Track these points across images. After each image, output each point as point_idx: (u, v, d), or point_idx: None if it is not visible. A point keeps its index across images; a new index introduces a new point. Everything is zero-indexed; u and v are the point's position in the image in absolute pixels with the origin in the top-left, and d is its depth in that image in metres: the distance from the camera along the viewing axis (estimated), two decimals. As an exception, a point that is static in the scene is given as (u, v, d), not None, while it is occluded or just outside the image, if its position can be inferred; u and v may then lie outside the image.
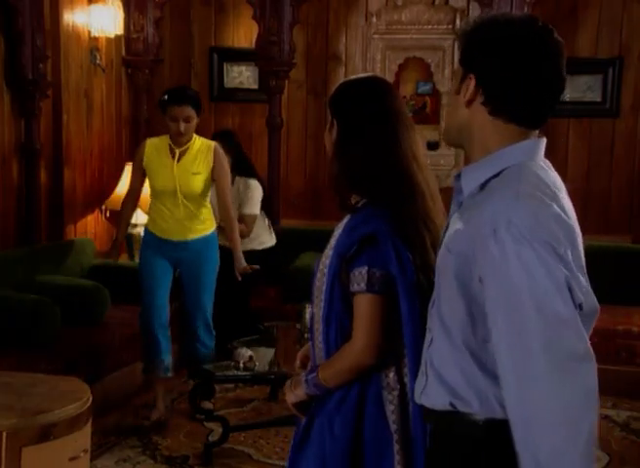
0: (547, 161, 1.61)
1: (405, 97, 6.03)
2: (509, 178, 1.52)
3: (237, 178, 5.04)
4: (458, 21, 5.85)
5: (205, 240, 4.36)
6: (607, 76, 5.72)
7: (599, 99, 5.74)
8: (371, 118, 2.00)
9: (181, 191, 4.22)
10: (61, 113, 5.30)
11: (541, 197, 1.48)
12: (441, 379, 1.60)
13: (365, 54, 6.08)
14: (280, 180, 5.95)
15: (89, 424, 2.71)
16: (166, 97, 4.20)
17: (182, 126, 4.15)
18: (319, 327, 2.02)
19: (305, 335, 3.81)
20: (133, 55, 5.97)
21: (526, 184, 1.50)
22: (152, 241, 4.37)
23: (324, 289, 1.99)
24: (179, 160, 4.25)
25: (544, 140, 1.61)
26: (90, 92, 5.59)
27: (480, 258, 1.48)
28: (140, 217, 5.42)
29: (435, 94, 5.99)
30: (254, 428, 4.31)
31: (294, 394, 2.08)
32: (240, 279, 4.36)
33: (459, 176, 1.62)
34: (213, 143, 4.37)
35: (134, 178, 4.46)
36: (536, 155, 1.57)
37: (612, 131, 5.78)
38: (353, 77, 2.14)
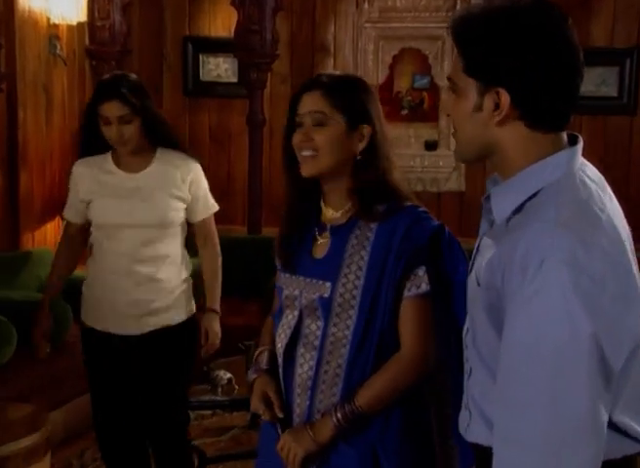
0: (587, 164, 1.57)
1: (400, 92, 6.06)
2: (546, 203, 1.47)
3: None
4: (458, 8, 5.89)
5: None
6: (624, 68, 5.76)
7: (615, 94, 5.79)
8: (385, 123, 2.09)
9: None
10: (17, 109, 5.28)
11: (582, 228, 1.42)
12: (484, 416, 1.60)
13: (356, 44, 6.11)
14: (262, 184, 5.95)
15: (48, 456, 2.70)
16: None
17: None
18: (342, 349, 1.99)
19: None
20: (97, 44, 5.96)
21: (565, 211, 1.44)
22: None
23: (358, 304, 1.99)
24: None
25: (580, 145, 1.55)
26: (49, 85, 5.57)
27: (507, 295, 1.44)
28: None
29: (433, 88, 6.02)
30: (233, 459, 4.29)
31: (309, 443, 1.98)
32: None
33: (487, 198, 1.59)
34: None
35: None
36: (573, 166, 1.52)
37: (629, 129, 5.82)
38: (337, 73, 2.15)
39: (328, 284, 2.02)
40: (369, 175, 2.03)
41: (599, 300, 1.37)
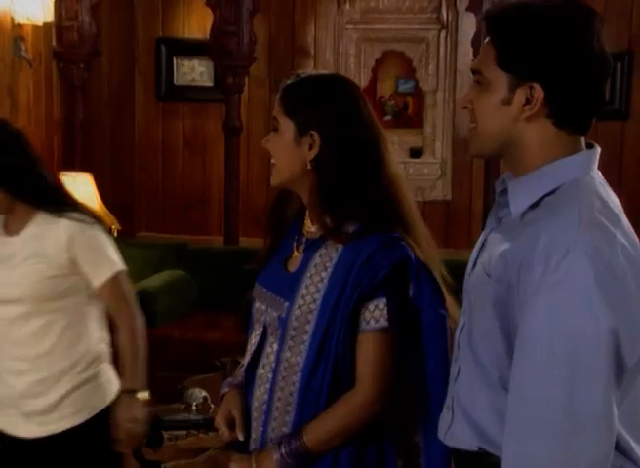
0: (599, 172, 1.62)
1: (383, 96, 6.04)
2: (568, 199, 1.52)
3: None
4: (443, 10, 5.89)
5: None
6: (615, 72, 5.77)
7: (606, 99, 5.79)
8: (353, 127, 1.97)
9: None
10: (-19, 114, 5.23)
11: (605, 225, 1.48)
12: (469, 419, 1.63)
13: (337, 47, 6.09)
14: (239, 193, 5.92)
15: None
16: None
17: None
18: (293, 376, 1.94)
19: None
20: (65, 46, 5.92)
21: (588, 208, 1.50)
22: None
23: (312, 329, 1.92)
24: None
25: (598, 150, 1.62)
26: (14, 89, 5.52)
27: (523, 287, 1.48)
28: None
29: (418, 93, 6.01)
30: (208, 483, 4.25)
31: None
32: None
33: (502, 192, 1.65)
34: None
35: None
36: (592, 169, 1.59)
37: (621, 134, 5.83)
38: (316, 72, 2.08)
39: (286, 303, 1.97)
40: (327, 188, 1.94)
41: (620, 296, 1.42)
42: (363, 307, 1.90)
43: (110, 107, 6.34)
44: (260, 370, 2.00)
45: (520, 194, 1.59)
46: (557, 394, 1.42)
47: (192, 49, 6.18)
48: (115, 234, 5.42)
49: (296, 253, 2.05)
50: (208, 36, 5.75)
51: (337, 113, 1.95)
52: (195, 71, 6.29)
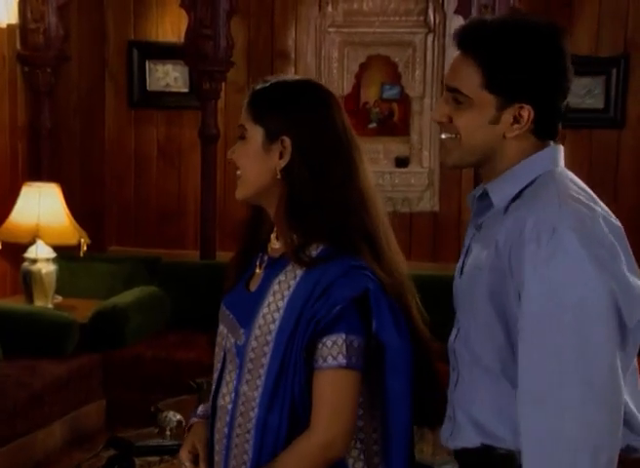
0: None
1: (367, 103, 6.08)
2: (546, 185, 1.71)
3: None
4: (430, 12, 5.94)
5: None
6: (610, 78, 5.83)
7: (601, 106, 5.85)
8: (326, 134, 1.93)
9: None
10: (-59, 121, 5.23)
11: (583, 201, 1.67)
12: (470, 418, 1.78)
13: (319, 51, 6.12)
14: (216, 205, 5.93)
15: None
16: None
17: None
18: (251, 412, 1.91)
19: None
20: (31, 49, 5.91)
21: (564, 189, 1.69)
22: None
23: (267, 363, 1.89)
24: None
25: (562, 147, 1.80)
26: (-23, 95, 5.53)
27: (517, 269, 1.62)
28: (41, 250, 5.36)
29: (404, 99, 6.04)
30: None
31: None
32: None
33: (482, 196, 1.79)
34: None
35: None
36: (560, 161, 1.79)
37: (616, 144, 5.87)
38: (286, 77, 2.05)
39: (242, 330, 1.94)
40: (297, 200, 1.90)
41: (611, 262, 1.61)
42: (320, 342, 1.85)
43: (79, 114, 6.34)
44: (221, 401, 1.98)
45: (502, 189, 1.76)
46: (570, 364, 1.57)
47: (166, 53, 6.19)
48: (84, 248, 5.44)
49: (257, 271, 2.02)
50: (183, 39, 5.76)
51: (309, 118, 1.92)
52: (169, 76, 6.30)
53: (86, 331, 5.20)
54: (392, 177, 6.04)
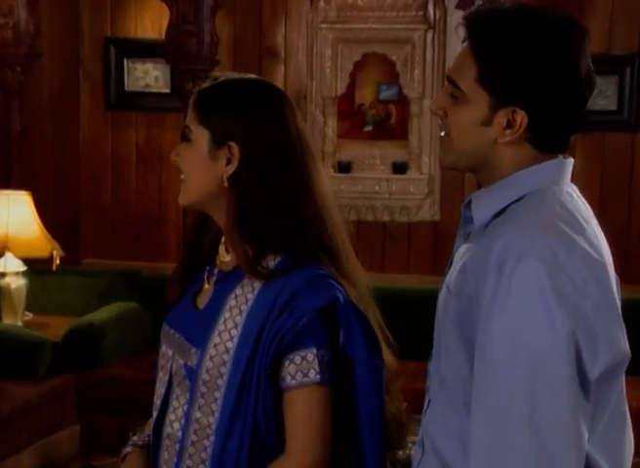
0: (574, 186, 1.71)
1: (363, 104, 6.08)
2: (528, 206, 1.63)
3: None
4: (430, 7, 5.94)
5: None
6: (623, 78, 5.83)
7: (614, 107, 5.85)
8: (278, 139, 1.92)
9: None
10: None
11: (564, 229, 1.57)
12: (434, 448, 1.70)
13: (310, 48, 6.12)
14: (200, 213, 5.90)
15: None
16: None
17: None
18: (205, 440, 1.87)
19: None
20: None
21: (547, 213, 1.60)
22: None
23: (224, 384, 1.86)
24: None
25: (572, 161, 1.71)
26: (-58, 95, 5.52)
27: (480, 299, 1.56)
28: (10, 263, 5.34)
29: (402, 100, 6.04)
30: None
31: None
32: None
33: (468, 204, 1.73)
34: None
35: None
36: (562, 178, 1.69)
37: (630, 147, 5.88)
38: (235, 75, 2.03)
39: (194, 350, 1.91)
40: (247, 210, 1.89)
41: (578, 303, 1.52)
42: (286, 359, 1.83)
43: (52, 116, 6.32)
44: (168, 429, 1.94)
45: (483, 204, 1.69)
46: (520, 410, 1.51)
47: (146, 50, 6.19)
48: (57, 261, 5.42)
49: (206, 286, 2.00)
50: (163, 36, 5.75)
51: (259, 122, 1.91)
52: (149, 76, 6.30)
53: (59, 350, 5.19)
54: (389, 184, 6.03)
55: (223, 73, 2.03)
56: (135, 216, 6.36)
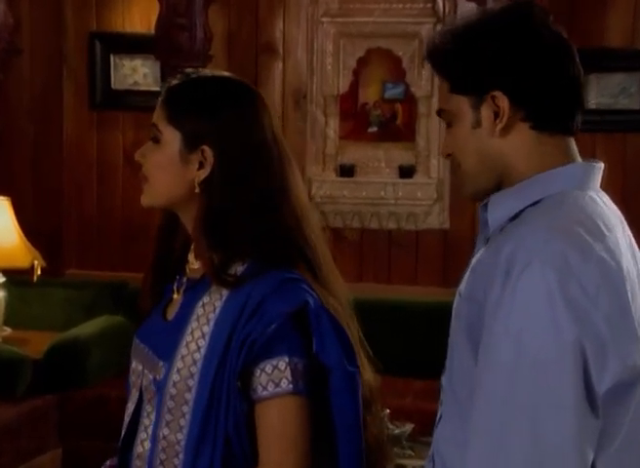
0: (603, 193, 1.74)
1: (367, 104, 6.08)
2: (545, 209, 1.65)
3: None
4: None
5: None
6: (645, 74, 5.85)
7: (636, 107, 5.84)
8: (253, 142, 1.93)
9: None
10: None
11: (581, 234, 1.58)
12: (444, 465, 1.73)
13: (310, 44, 6.13)
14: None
15: None
16: None
17: None
18: (174, 459, 1.88)
19: None
20: (-23, 42, 5.93)
21: (564, 217, 1.62)
22: None
23: (192, 398, 1.87)
24: None
25: (601, 166, 1.74)
26: None
27: (489, 305, 1.57)
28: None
29: (409, 99, 6.05)
30: None
31: None
32: None
33: (485, 206, 1.75)
34: None
35: None
36: (587, 183, 1.71)
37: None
38: (207, 73, 2.05)
39: (161, 363, 1.92)
40: (219, 217, 1.89)
41: (588, 312, 1.53)
42: (257, 368, 1.84)
43: (33, 116, 6.33)
44: (139, 448, 1.96)
45: (500, 207, 1.71)
46: (522, 421, 1.52)
47: (134, 45, 6.21)
48: (38, 272, 5.42)
49: (175, 296, 2.02)
50: (153, 30, 5.76)
51: (234, 124, 1.92)
52: (138, 73, 6.31)
53: (39, 368, 5.18)
54: (395, 189, 6.03)
55: (196, 70, 2.04)
56: (121, 224, 6.36)
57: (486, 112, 1.69)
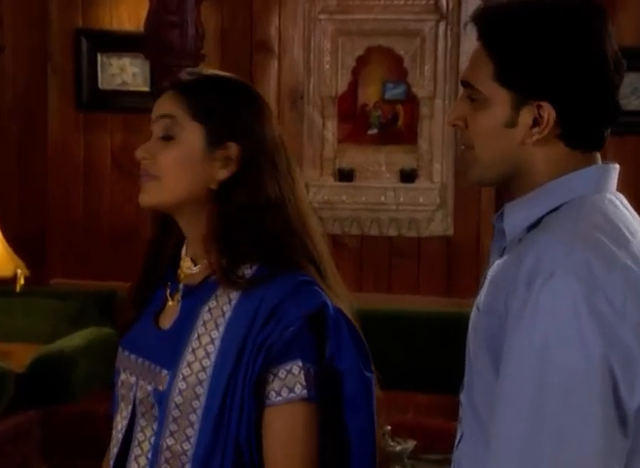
0: (620, 194, 1.73)
1: (366, 105, 6.09)
2: (565, 216, 1.65)
3: None
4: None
5: None
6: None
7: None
8: (269, 144, 1.95)
9: None
10: None
11: (604, 242, 1.58)
12: None
13: (307, 42, 6.15)
14: (182, 227, 5.92)
15: None
16: None
17: None
18: None
19: None
20: (-42, 39, 5.94)
21: (585, 224, 1.61)
22: None
23: (202, 406, 1.87)
24: None
25: (616, 167, 1.74)
26: None
27: (510, 317, 1.57)
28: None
29: (410, 100, 6.06)
30: None
31: None
32: None
33: (501, 216, 1.75)
34: None
35: None
36: (604, 185, 1.71)
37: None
38: (213, 72, 2.06)
39: (165, 372, 1.91)
40: (235, 219, 1.91)
41: (616, 326, 1.52)
42: (271, 374, 1.85)
43: (16, 117, 6.34)
44: (133, 466, 1.95)
45: (515, 216, 1.71)
46: (546, 439, 1.51)
47: (122, 43, 6.22)
48: (22, 281, 5.42)
49: (170, 303, 2.01)
50: (142, 27, 5.77)
51: (255, 122, 1.94)
52: (126, 72, 6.32)
53: (23, 382, 5.19)
54: (397, 194, 6.04)
55: (199, 68, 2.04)
56: (109, 231, 6.36)
57: (525, 117, 1.67)
